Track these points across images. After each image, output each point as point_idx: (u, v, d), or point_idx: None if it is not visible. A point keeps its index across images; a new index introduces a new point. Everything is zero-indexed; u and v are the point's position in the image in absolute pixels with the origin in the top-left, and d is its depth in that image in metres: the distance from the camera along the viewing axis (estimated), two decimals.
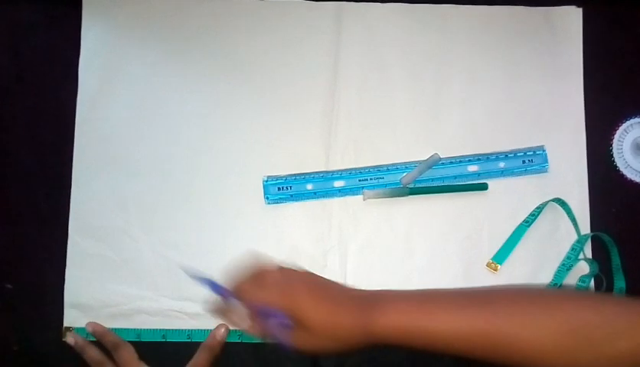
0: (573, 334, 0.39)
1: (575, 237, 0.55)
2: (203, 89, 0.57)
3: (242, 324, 0.46)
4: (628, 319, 0.38)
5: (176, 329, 0.54)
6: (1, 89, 0.57)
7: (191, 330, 0.54)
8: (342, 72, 0.57)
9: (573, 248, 0.54)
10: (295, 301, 0.43)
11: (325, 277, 0.51)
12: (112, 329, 0.54)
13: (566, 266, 0.54)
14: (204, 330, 0.54)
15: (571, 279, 0.54)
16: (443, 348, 0.42)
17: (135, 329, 0.54)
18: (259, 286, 0.44)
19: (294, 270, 0.47)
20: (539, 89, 0.57)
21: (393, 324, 0.42)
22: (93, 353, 0.52)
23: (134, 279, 0.55)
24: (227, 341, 0.53)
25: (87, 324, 0.53)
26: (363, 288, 0.47)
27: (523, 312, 0.41)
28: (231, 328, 0.53)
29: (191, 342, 0.53)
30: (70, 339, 0.53)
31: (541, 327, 0.39)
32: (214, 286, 0.47)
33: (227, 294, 0.46)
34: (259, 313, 0.44)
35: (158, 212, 0.55)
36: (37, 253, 0.55)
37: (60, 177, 0.56)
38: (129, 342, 0.53)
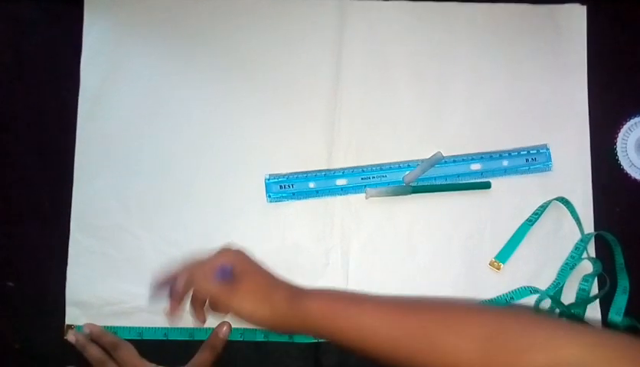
0: (492, 341, 0.39)
1: (578, 236, 0.55)
2: (205, 87, 0.57)
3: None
4: (547, 332, 0.38)
5: (178, 328, 0.54)
6: (3, 87, 0.57)
7: (193, 329, 0.54)
8: (345, 70, 0.56)
9: (576, 247, 0.54)
10: (241, 260, 0.48)
11: (327, 275, 0.53)
12: (114, 327, 0.54)
13: (569, 265, 0.54)
14: (206, 329, 0.53)
15: (574, 278, 0.54)
16: (368, 346, 0.43)
17: (136, 328, 0.54)
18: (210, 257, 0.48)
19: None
20: (542, 87, 0.57)
21: (320, 309, 0.44)
22: (94, 351, 0.52)
23: (136, 277, 0.54)
24: (229, 339, 0.53)
25: (84, 325, 0.53)
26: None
27: (446, 318, 0.41)
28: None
29: (193, 341, 0.53)
30: (70, 337, 0.53)
31: (462, 333, 0.40)
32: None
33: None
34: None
35: (160, 210, 0.55)
36: (39, 251, 0.55)
37: (61, 175, 0.56)
38: (131, 340, 0.53)
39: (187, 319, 0.53)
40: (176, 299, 0.48)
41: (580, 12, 0.58)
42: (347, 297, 0.46)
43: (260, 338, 0.54)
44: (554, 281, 0.54)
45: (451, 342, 0.40)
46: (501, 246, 0.55)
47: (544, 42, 0.57)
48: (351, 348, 0.44)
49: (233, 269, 0.47)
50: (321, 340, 0.53)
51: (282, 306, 0.45)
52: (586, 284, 0.53)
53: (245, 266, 0.48)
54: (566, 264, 0.54)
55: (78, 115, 0.56)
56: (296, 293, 0.46)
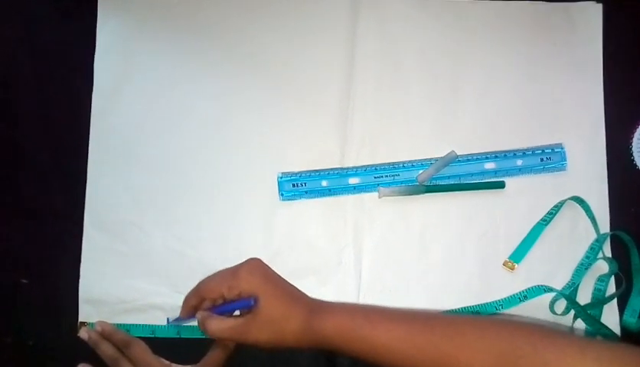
0: (504, 359, 0.39)
1: (594, 236, 0.54)
2: (217, 84, 0.57)
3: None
4: (559, 349, 0.38)
5: (191, 326, 0.54)
6: (17, 84, 0.57)
7: None
8: (358, 67, 0.56)
9: (591, 247, 0.54)
10: (257, 284, 0.47)
11: (340, 275, 0.54)
12: (127, 325, 0.54)
13: (584, 265, 0.53)
14: None
15: (590, 278, 0.53)
16: (383, 359, 0.43)
17: (149, 325, 0.54)
18: (220, 277, 0.49)
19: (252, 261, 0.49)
20: (557, 85, 0.56)
21: (337, 326, 0.44)
22: (106, 348, 0.52)
23: (149, 275, 0.55)
24: None
25: (97, 323, 0.53)
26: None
27: (461, 334, 0.42)
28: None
29: (206, 339, 0.53)
30: (83, 334, 0.53)
31: (476, 349, 0.41)
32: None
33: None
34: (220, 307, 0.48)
35: (173, 207, 0.55)
36: (52, 248, 0.55)
37: (75, 171, 0.56)
38: (143, 338, 0.53)
39: None
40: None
41: (596, 10, 0.57)
42: (361, 315, 0.45)
43: None
44: (569, 281, 0.53)
45: (464, 357, 0.41)
46: (515, 246, 0.54)
47: (559, 40, 0.57)
48: (367, 363, 0.44)
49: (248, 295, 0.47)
50: None
51: (298, 330, 0.45)
52: (601, 284, 0.53)
53: (261, 289, 0.47)
54: (582, 264, 0.53)
55: (91, 112, 0.56)
56: (312, 312, 0.46)
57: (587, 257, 0.53)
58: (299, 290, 0.49)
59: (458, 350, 0.41)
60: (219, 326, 0.47)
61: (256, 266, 0.49)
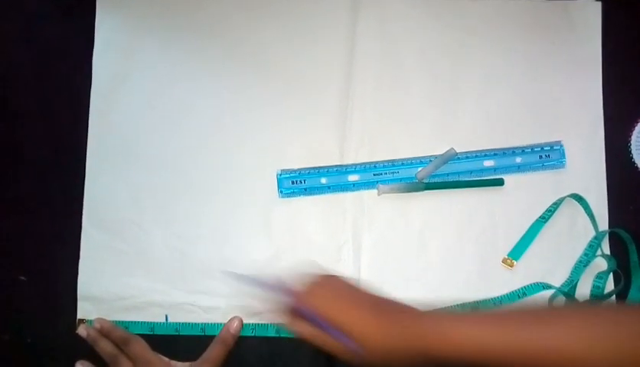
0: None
1: (592, 233, 0.54)
2: (217, 81, 0.56)
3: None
4: None
5: (189, 323, 0.54)
6: (15, 81, 0.57)
7: (205, 324, 0.54)
8: (357, 65, 0.56)
9: (590, 245, 0.54)
10: (346, 322, 0.41)
11: (339, 272, 0.51)
12: (125, 322, 0.54)
13: (583, 262, 0.53)
14: (218, 324, 0.53)
15: (588, 276, 0.54)
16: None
17: (148, 323, 0.54)
18: (311, 295, 0.43)
19: (342, 281, 0.45)
20: (557, 83, 0.57)
21: (454, 341, 0.40)
22: (105, 345, 0.52)
23: (147, 272, 0.54)
24: (241, 334, 0.53)
25: (95, 320, 0.53)
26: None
27: (589, 327, 0.39)
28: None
29: (205, 336, 0.53)
30: (82, 331, 0.53)
31: (608, 340, 0.38)
32: (260, 283, 0.45)
33: (273, 289, 0.45)
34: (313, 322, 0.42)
35: (172, 205, 0.55)
36: (51, 245, 0.55)
37: (73, 169, 0.56)
38: (142, 335, 0.53)
39: (198, 314, 0.54)
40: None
41: (595, 8, 0.57)
42: (476, 321, 0.41)
43: (272, 333, 0.53)
44: (568, 278, 0.53)
45: (600, 351, 0.38)
46: (514, 243, 0.54)
47: (558, 38, 0.57)
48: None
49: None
50: None
51: (401, 356, 0.41)
52: (600, 281, 0.53)
53: (350, 325, 0.41)
54: (580, 261, 0.53)
55: (90, 109, 0.56)
56: (416, 336, 0.41)
57: (586, 254, 0.54)
58: (392, 302, 0.44)
59: (587, 342, 0.38)
60: (311, 333, 0.43)
61: (329, 288, 0.43)
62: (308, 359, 0.54)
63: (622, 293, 0.53)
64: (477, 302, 0.53)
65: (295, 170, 0.55)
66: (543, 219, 0.54)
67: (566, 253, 0.54)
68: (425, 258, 0.54)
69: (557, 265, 0.54)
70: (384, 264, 0.55)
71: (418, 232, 0.55)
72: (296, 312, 0.43)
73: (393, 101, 0.56)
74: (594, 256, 0.54)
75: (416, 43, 0.57)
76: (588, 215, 0.54)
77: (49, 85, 0.57)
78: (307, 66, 0.56)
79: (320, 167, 0.55)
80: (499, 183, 0.55)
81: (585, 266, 0.53)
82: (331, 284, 0.44)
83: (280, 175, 0.55)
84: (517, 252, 0.54)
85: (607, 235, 0.54)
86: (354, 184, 0.55)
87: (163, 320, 0.54)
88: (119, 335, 0.52)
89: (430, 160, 0.55)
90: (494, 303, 0.53)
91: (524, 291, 0.53)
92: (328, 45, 0.57)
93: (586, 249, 0.54)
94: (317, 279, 0.44)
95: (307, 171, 0.55)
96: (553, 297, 0.53)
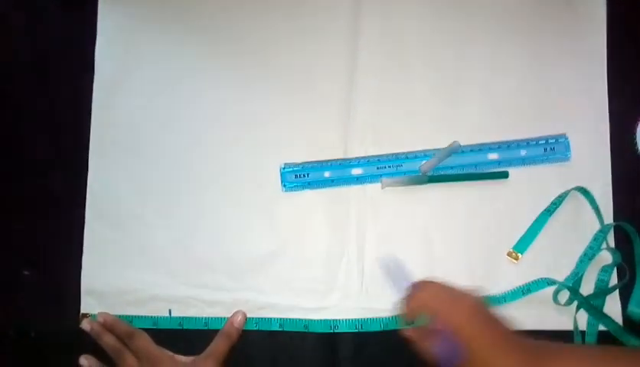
0: None
1: (598, 226, 0.54)
2: (220, 75, 0.56)
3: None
4: None
5: (193, 317, 0.54)
6: (18, 76, 0.57)
7: (208, 318, 0.54)
8: (361, 57, 0.56)
9: (595, 238, 0.53)
10: (462, 327, 0.42)
11: (343, 266, 0.52)
12: (129, 316, 0.54)
13: (588, 256, 0.53)
14: (221, 318, 0.53)
15: (593, 269, 0.53)
16: None
17: (151, 317, 0.54)
18: (440, 297, 0.44)
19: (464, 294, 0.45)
20: (561, 76, 0.56)
21: None
22: (109, 340, 0.52)
23: (151, 266, 0.54)
24: (245, 328, 0.53)
25: (98, 314, 0.53)
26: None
27: None
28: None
29: (208, 330, 0.53)
30: (85, 325, 0.53)
31: None
32: (399, 279, 0.47)
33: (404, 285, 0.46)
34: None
35: (175, 198, 0.55)
36: (54, 240, 0.55)
37: (77, 163, 0.55)
38: (146, 329, 0.53)
39: (201, 309, 0.54)
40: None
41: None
42: (587, 361, 0.41)
43: (275, 327, 0.53)
44: (573, 271, 0.53)
45: None
46: (519, 236, 0.54)
47: (563, 30, 0.56)
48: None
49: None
50: (337, 331, 0.53)
51: None
52: (604, 274, 0.53)
53: (474, 334, 0.41)
54: (585, 254, 0.53)
55: (93, 103, 0.56)
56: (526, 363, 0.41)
57: (591, 247, 0.53)
58: (507, 327, 0.43)
59: None
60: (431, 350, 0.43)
61: (470, 304, 0.43)
62: (312, 353, 0.54)
63: (626, 286, 0.53)
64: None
65: (298, 164, 0.55)
66: (548, 212, 0.54)
67: (571, 246, 0.54)
68: (429, 251, 0.54)
69: (562, 258, 0.54)
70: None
71: (422, 226, 0.55)
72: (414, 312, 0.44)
73: (397, 94, 0.56)
74: (599, 249, 0.53)
75: (420, 35, 0.56)
76: (593, 208, 0.54)
77: (51, 79, 0.57)
78: (310, 60, 0.56)
79: (323, 161, 0.55)
80: (504, 176, 0.55)
81: (590, 259, 0.53)
82: (470, 300, 0.44)
83: (283, 169, 0.55)
84: (522, 245, 0.54)
85: (612, 229, 0.54)
86: (357, 178, 0.55)
87: (166, 314, 0.54)
88: (123, 329, 0.52)
89: (434, 154, 0.55)
90: (499, 300, 0.53)
91: (528, 288, 0.53)
92: (331, 38, 0.56)
93: (591, 242, 0.53)
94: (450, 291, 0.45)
95: (310, 165, 0.55)
96: (557, 291, 0.53)
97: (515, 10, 0.57)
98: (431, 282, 0.45)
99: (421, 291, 0.44)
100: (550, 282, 0.53)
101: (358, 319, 0.53)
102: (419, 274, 0.53)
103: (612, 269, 0.53)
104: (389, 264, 0.48)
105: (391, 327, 0.53)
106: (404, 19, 0.56)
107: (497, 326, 0.43)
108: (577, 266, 0.53)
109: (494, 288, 0.53)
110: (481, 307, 0.43)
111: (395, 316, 0.52)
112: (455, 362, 0.41)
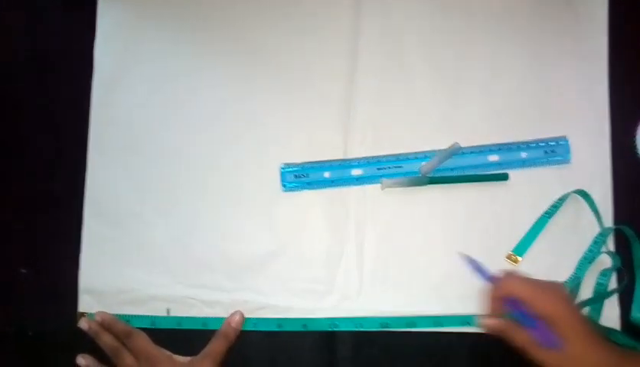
0: None
1: (597, 230, 0.54)
2: (220, 74, 0.56)
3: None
4: None
5: (191, 317, 0.53)
6: (17, 73, 0.57)
7: (206, 318, 0.53)
8: (361, 58, 0.55)
9: (595, 241, 0.53)
10: (560, 317, 0.43)
11: (342, 266, 0.53)
12: (127, 315, 0.54)
13: (587, 259, 0.53)
14: (219, 318, 0.53)
15: (592, 273, 0.53)
16: None
17: (149, 316, 0.54)
18: (530, 285, 0.44)
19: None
20: (562, 77, 0.56)
21: None
22: (107, 339, 0.52)
23: (149, 265, 0.54)
24: (242, 329, 0.53)
25: (96, 313, 0.53)
26: None
27: None
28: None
29: (206, 330, 0.53)
30: (83, 324, 0.53)
31: None
32: (481, 270, 0.47)
33: (491, 279, 0.46)
34: (516, 312, 0.44)
35: (174, 197, 0.55)
36: (52, 238, 0.55)
37: (75, 161, 0.55)
38: (144, 329, 0.53)
39: (199, 308, 0.54)
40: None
41: (601, 0, 0.56)
42: None
43: (274, 327, 0.53)
44: (573, 275, 0.53)
45: None
46: (519, 239, 0.54)
47: (564, 31, 0.56)
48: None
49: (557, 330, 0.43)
50: (336, 329, 0.53)
51: None
52: (603, 278, 0.53)
53: (566, 323, 0.43)
54: (585, 258, 0.53)
55: (92, 101, 0.56)
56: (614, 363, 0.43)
57: (590, 251, 0.53)
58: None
59: None
60: (523, 339, 0.44)
61: (563, 295, 0.45)
62: (311, 353, 0.53)
63: (627, 290, 0.53)
64: None
65: (298, 164, 0.55)
66: (548, 214, 0.54)
67: (570, 249, 0.54)
68: (428, 253, 0.54)
69: (562, 261, 0.53)
70: (387, 259, 0.54)
71: (421, 227, 0.54)
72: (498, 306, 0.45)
73: (397, 95, 0.56)
74: (599, 252, 0.53)
75: (420, 36, 0.56)
76: (593, 211, 0.54)
77: (51, 77, 0.57)
78: (310, 60, 0.56)
79: (323, 161, 0.55)
80: (504, 178, 0.54)
81: (590, 262, 0.53)
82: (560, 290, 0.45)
83: (283, 169, 0.54)
84: (521, 248, 0.54)
85: (612, 232, 0.54)
86: (357, 178, 0.54)
87: (164, 314, 0.54)
88: (121, 328, 0.52)
89: (434, 155, 0.54)
90: None
91: None
92: (331, 38, 0.56)
93: (591, 246, 0.53)
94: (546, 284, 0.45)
95: (310, 165, 0.55)
96: None
97: (515, 10, 0.56)
98: (517, 273, 0.46)
99: (510, 280, 0.45)
100: None
101: (358, 318, 0.53)
102: (417, 275, 0.54)
103: (611, 273, 0.53)
104: (470, 257, 0.48)
105: (390, 327, 0.53)
106: (404, 19, 0.56)
107: (586, 319, 0.44)
108: (577, 269, 0.53)
109: None
110: (572, 299, 0.45)
111: (396, 317, 0.53)
112: (552, 348, 0.42)
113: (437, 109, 0.55)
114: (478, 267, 0.47)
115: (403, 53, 0.56)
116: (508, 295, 0.44)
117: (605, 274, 0.53)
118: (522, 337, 0.43)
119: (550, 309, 0.43)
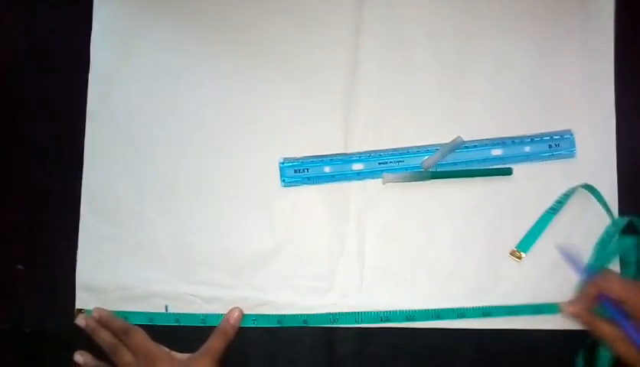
0: None
1: (603, 225, 0.53)
2: (218, 68, 0.55)
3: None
4: None
5: (190, 313, 0.53)
6: (13, 68, 0.56)
7: (205, 314, 0.53)
8: (363, 51, 0.55)
9: (607, 232, 0.52)
10: None
11: (343, 262, 0.53)
12: (125, 312, 0.53)
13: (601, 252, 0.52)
14: (218, 314, 0.52)
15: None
16: None
17: (147, 313, 0.53)
18: (632, 286, 0.47)
19: None
20: (567, 71, 0.55)
21: None
22: (104, 336, 0.51)
23: (147, 262, 0.54)
24: (242, 325, 0.52)
25: (94, 310, 0.53)
26: None
27: None
28: None
29: (205, 327, 0.52)
30: (80, 321, 0.52)
31: None
32: (578, 265, 0.50)
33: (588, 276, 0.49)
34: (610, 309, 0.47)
35: (173, 194, 0.54)
36: (50, 234, 0.55)
37: (72, 157, 0.55)
38: (142, 326, 0.52)
39: (198, 305, 0.53)
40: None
41: None
42: None
43: (274, 323, 0.53)
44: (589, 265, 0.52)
45: None
46: (523, 235, 0.53)
47: (570, 25, 0.55)
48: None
49: None
50: (335, 325, 0.52)
51: None
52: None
53: None
54: (599, 248, 0.52)
55: (88, 96, 0.55)
56: None
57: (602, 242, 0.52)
58: None
59: None
60: (610, 332, 0.47)
61: None
62: (310, 350, 0.53)
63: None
64: (488, 307, 0.52)
65: (298, 159, 0.54)
66: (553, 210, 0.53)
67: (576, 246, 0.52)
68: (430, 249, 0.53)
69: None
70: (389, 254, 0.53)
71: (423, 223, 0.54)
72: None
73: (399, 88, 0.55)
74: (609, 243, 0.52)
75: (423, 28, 0.55)
76: (601, 204, 0.53)
77: (47, 72, 0.56)
78: (311, 53, 0.55)
79: (324, 156, 0.54)
80: (507, 172, 0.54)
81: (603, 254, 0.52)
82: None
83: (283, 164, 0.54)
84: (525, 244, 0.53)
85: (626, 223, 0.52)
86: (358, 173, 0.54)
87: (163, 311, 0.53)
88: (119, 325, 0.52)
89: (437, 149, 0.54)
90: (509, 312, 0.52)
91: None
92: (333, 30, 0.55)
93: (602, 236, 0.52)
94: None
95: (310, 160, 0.54)
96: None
97: (522, 4, 0.56)
98: (615, 273, 0.50)
99: (610, 279, 0.48)
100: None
101: (358, 313, 0.52)
102: (419, 272, 0.53)
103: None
104: (569, 250, 0.51)
105: (391, 322, 0.52)
106: (408, 10, 0.55)
107: None
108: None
109: (497, 288, 0.52)
110: None
111: (396, 310, 0.52)
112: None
113: (440, 103, 0.55)
114: (574, 261, 0.49)
115: (405, 46, 0.55)
116: (605, 293, 0.47)
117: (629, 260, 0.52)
118: (609, 330, 0.46)
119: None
